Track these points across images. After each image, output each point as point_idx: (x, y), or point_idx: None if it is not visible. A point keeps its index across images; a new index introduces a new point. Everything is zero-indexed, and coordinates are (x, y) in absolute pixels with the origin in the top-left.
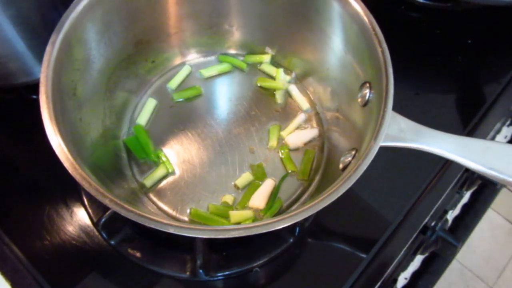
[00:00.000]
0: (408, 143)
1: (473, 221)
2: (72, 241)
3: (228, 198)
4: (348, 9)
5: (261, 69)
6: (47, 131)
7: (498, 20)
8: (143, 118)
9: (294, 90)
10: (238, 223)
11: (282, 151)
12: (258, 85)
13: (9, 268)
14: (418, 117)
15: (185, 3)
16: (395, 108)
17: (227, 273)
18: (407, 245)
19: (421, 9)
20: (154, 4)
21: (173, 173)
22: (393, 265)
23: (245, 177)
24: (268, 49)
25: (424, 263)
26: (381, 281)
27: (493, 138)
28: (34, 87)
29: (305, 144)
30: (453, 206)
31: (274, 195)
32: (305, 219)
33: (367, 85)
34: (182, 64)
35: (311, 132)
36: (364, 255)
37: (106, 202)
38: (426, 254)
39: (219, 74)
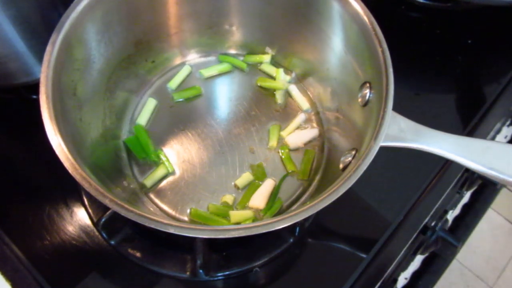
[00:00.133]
0: (408, 143)
1: (473, 221)
2: (72, 241)
3: (228, 198)
4: (348, 9)
5: (261, 69)
6: (47, 131)
7: (498, 20)
8: (143, 118)
9: (294, 90)
10: (238, 223)
11: (282, 151)
12: (258, 85)
13: (9, 268)
14: (418, 117)
15: (185, 3)
16: (395, 108)
17: (227, 273)
18: (407, 245)
19: (421, 9)
20: (154, 4)
21: (173, 173)
22: (393, 265)
23: (245, 177)
24: (268, 49)
25: (424, 263)
26: (381, 281)
27: (493, 138)
28: (34, 87)
29: (305, 144)
30: (453, 206)
31: (274, 195)
32: (305, 219)
33: (367, 85)
34: (182, 64)
35: (311, 132)
36: (364, 255)
37: (106, 202)
38: (426, 254)
39: (219, 74)
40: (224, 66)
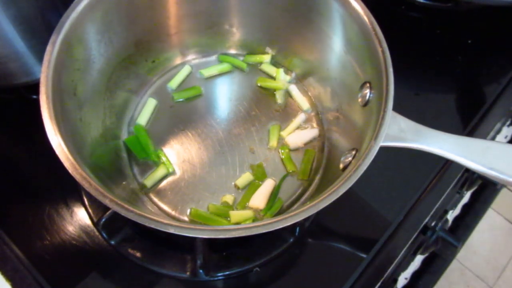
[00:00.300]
0: (408, 143)
1: (473, 221)
2: (72, 241)
3: (228, 198)
4: (348, 9)
5: (261, 69)
6: (47, 131)
7: (498, 20)
8: (143, 118)
9: (294, 90)
10: (238, 223)
11: (282, 151)
12: (258, 85)
13: (9, 268)
14: (418, 117)
15: (185, 3)
16: (395, 108)
17: (227, 273)
18: (407, 245)
19: (421, 9)
20: (154, 4)
21: (173, 173)
22: (393, 265)
23: (245, 177)
24: (268, 49)
25: (424, 263)
26: (381, 281)
27: (493, 138)
28: (34, 87)
29: (305, 144)
30: (453, 206)
31: (274, 195)
32: (305, 219)
33: (367, 85)
34: (182, 64)
35: (311, 132)
36: (364, 255)
37: (106, 202)
38: (426, 254)
39: (219, 74)
40: (224, 66)
